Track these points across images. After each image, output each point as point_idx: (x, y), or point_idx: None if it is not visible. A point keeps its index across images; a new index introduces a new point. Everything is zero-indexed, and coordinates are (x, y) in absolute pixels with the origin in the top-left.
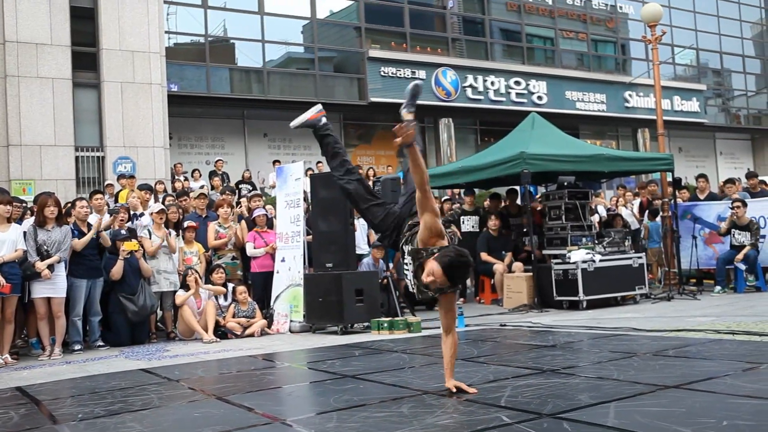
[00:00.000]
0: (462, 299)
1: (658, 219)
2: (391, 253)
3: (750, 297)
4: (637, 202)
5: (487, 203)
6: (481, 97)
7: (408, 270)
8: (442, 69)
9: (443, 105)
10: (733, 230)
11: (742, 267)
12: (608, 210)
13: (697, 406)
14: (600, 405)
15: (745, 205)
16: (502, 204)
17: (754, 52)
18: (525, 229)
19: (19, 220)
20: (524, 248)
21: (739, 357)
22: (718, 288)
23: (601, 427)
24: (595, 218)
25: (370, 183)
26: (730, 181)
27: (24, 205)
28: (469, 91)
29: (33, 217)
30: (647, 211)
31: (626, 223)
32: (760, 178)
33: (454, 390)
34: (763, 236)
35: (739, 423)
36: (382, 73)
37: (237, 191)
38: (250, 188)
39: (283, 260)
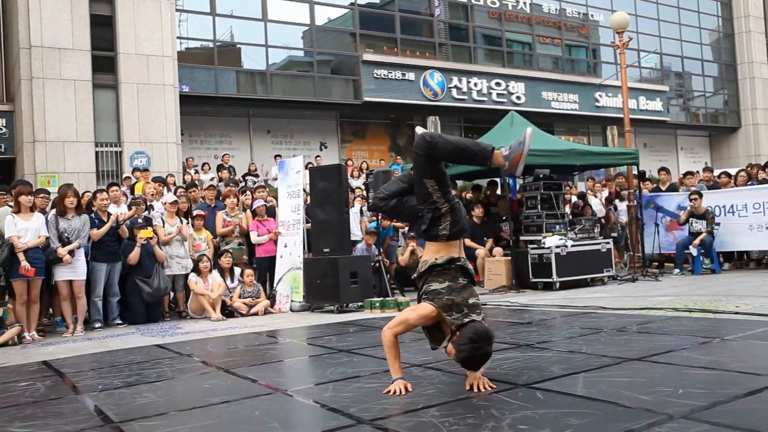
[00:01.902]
0: None
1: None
2: (382, 238)
3: (705, 278)
4: (605, 192)
5: (469, 195)
6: (465, 97)
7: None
8: (430, 71)
9: (431, 104)
10: (691, 219)
11: (694, 253)
12: (578, 199)
13: (657, 376)
14: (570, 376)
15: (701, 196)
16: (483, 195)
17: (712, 56)
18: (504, 217)
19: (45, 210)
20: (502, 233)
21: (695, 332)
22: (677, 270)
23: (570, 395)
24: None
25: (364, 176)
26: (689, 173)
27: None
28: (454, 91)
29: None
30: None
31: (594, 211)
32: (721, 170)
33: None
34: (718, 224)
35: (693, 391)
36: (375, 75)
37: (244, 182)
38: (255, 180)
39: (285, 246)
